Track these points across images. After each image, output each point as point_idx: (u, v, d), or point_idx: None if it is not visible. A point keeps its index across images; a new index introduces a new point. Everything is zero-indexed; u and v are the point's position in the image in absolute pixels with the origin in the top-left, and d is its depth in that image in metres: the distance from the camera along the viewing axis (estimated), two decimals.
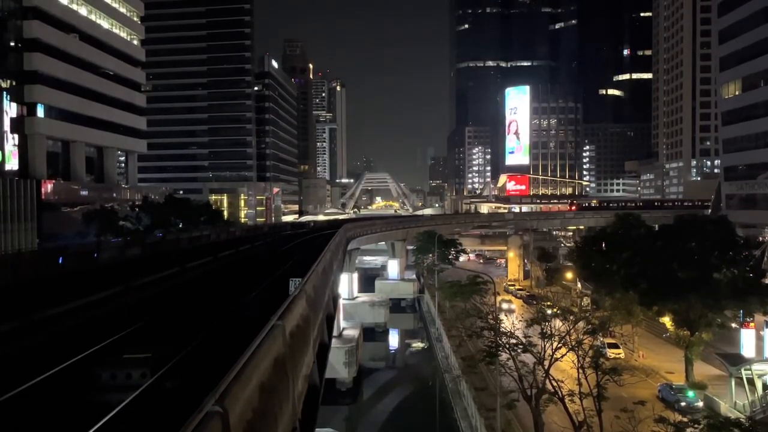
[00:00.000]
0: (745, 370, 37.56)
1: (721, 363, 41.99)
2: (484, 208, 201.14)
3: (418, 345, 72.68)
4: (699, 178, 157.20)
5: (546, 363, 30.78)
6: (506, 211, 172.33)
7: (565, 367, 33.36)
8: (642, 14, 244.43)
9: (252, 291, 22.98)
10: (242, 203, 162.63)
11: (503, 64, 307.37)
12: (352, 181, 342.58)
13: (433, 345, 64.17)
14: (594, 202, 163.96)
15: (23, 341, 15.08)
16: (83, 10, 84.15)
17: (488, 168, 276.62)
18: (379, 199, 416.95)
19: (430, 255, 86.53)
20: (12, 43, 71.07)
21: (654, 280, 43.21)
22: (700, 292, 40.28)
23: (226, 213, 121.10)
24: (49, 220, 69.93)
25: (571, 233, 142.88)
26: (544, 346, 31.41)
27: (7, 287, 20.43)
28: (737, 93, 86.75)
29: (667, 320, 47.26)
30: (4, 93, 68.05)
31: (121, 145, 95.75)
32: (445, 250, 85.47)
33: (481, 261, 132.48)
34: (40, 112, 74.71)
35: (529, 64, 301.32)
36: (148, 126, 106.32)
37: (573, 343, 31.18)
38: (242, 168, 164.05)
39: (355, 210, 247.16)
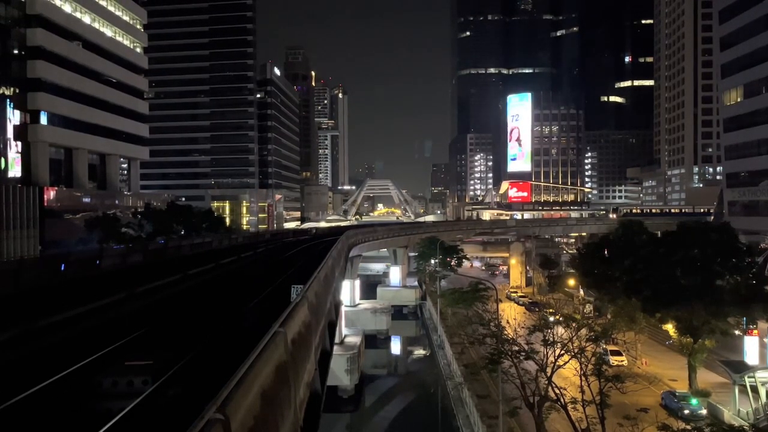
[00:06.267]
0: (748, 377, 37.31)
1: (724, 370, 41.80)
2: (486, 215, 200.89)
3: (420, 352, 72.48)
4: (701, 185, 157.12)
5: (548, 370, 30.67)
6: (508, 218, 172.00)
7: (568, 375, 33.23)
8: (643, 21, 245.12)
9: (254, 298, 22.96)
10: (244, 210, 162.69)
11: (505, 72, 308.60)
12: (354, 188, 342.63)
13: (435, 352, 63.92)
14: None
15: (25, 349, 15.06)
16: (86, 18, 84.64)
17: (490, 175, 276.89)
18: (381, 206, 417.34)
19: (432, 262, 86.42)
20: (15, 51, 71.46)
21: (657, 287, 43.00)
22: (703, 299, 40.08)
23: (228, 220, 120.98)
24: (52, 227, 70.03)
25: (573, 240, 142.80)
26: (547, 353, 31.30)
27: (8, 295, 20.43)
28: (739, 100, 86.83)
29: (670, 327, 47.04)
30: (8, 101, 68.36)
31: (123, 152, 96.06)
32: (446, 257, 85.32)
33: (483, 268, 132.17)
34: (43, 119, 75.05)
35: (530, 71, 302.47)
36: (151, 133, 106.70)
37: (575, 350, 31.06)
38: (244, 175, 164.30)
39: (357, 217, 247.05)
